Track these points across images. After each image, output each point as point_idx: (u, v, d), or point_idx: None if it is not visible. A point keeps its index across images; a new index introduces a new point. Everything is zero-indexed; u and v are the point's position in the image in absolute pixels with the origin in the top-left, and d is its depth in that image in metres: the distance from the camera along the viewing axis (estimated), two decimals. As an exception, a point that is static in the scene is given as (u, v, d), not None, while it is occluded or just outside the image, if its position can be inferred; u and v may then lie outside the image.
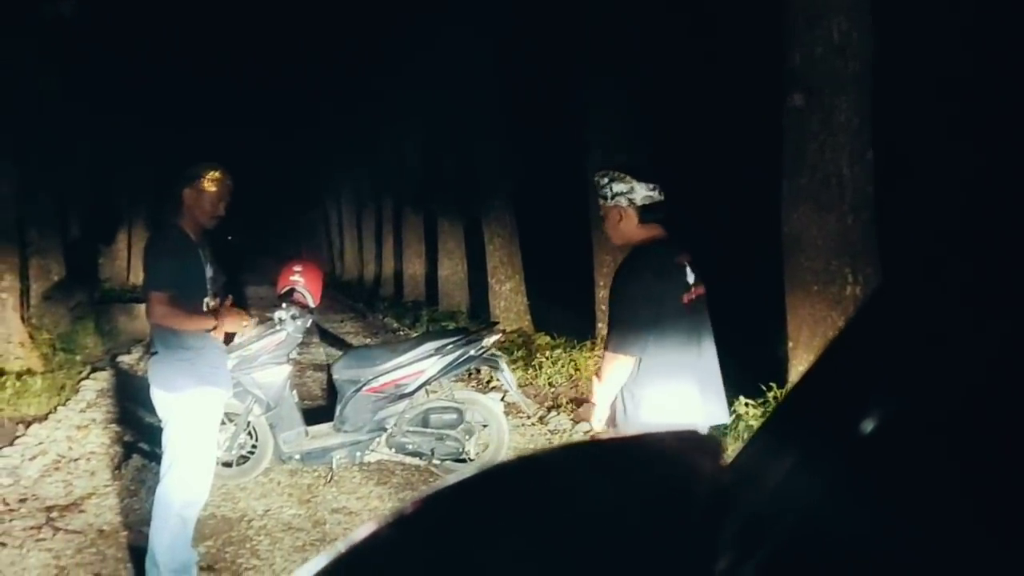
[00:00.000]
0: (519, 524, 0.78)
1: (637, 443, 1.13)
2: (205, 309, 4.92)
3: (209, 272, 4.97)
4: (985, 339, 0.71)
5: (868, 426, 0.69)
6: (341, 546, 0.76)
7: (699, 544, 0.73)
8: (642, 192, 4.04)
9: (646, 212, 4.07)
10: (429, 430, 7.18)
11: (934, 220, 7.85)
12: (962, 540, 0.64)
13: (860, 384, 0.78)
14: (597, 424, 4.14)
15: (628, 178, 4.05)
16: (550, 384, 10.52)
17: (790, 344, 7.43)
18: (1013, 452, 0.66)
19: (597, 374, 4.09)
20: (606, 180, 4.09)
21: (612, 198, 4.06)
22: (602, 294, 11.51)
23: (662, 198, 4.10)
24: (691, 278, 4.06)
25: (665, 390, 3.93)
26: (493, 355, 7.45)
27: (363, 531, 0.77)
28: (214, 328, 4.88)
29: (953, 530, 0.64)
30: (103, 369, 11.40)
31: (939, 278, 0.81)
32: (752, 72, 10.41)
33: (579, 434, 8.33)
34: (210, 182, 4.92)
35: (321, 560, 0.75)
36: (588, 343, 11.34)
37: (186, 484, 4.88)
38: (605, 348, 3.99)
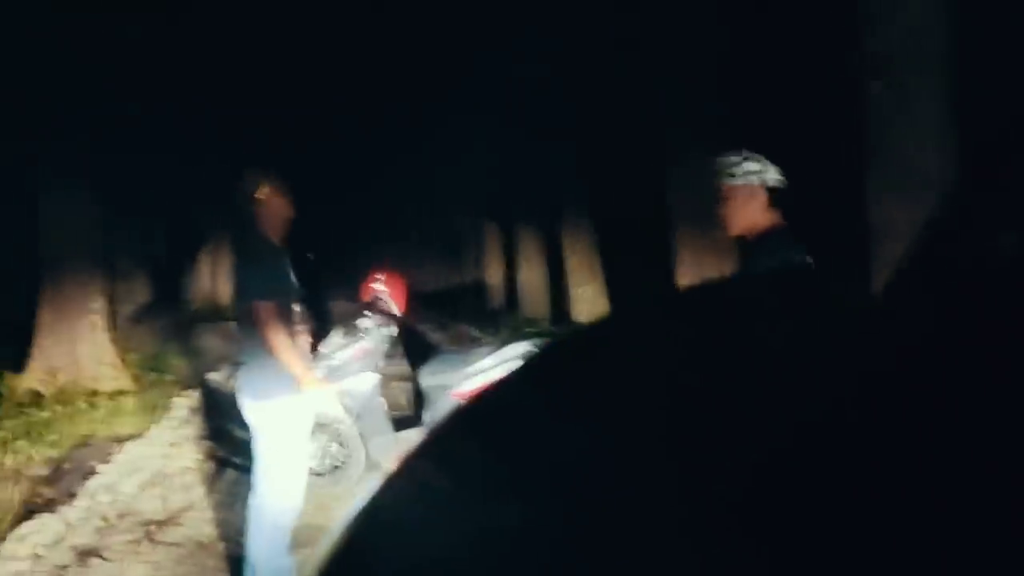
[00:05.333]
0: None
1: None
2: (294, 313, 4.96)
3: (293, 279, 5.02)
4: None
5: None
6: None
7: None
8: (774, 174, 3.97)
9: (775, 196, 3.99)
10: (517, 434, 7.14)
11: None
12: None
13: None
14: None
15: (762, 158, 3.98)
16: (636, 386, 10.39)
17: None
18: None
19: None
20: (737, 158, 4.01)
21: (743, 175, 3.97)
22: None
23: (788, 189, 4.02)
24: None
25: None
26: (578, 357, 7.39)
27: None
28: (302, 375, 4.84)
29: None
30: (193, 387, 11.54)
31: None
32: (829, 61, 10.21)
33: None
34: (270, 192, 4.97)
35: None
36: (672, 343, 11.20)
37: (280, 491, 4.90)
38: None
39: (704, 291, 1.17)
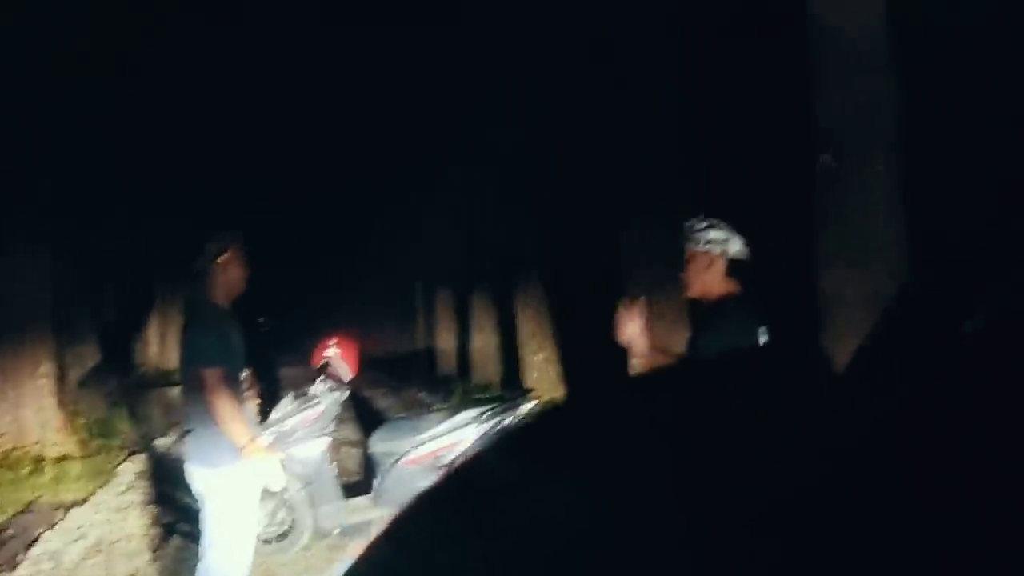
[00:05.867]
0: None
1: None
2: (242, 380, 4.95)
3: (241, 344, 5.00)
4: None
5: None
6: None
7: None
8: (736, 246, 4.06)
9: (734, 266, 4.08)
10: (468, 500, 7.11)
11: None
12: None
13: None
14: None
15: (729, 228, 4.07)
16: (587, 452, 10.36)
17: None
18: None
19: None
20: (704, 225, 4.11)
21: (705, 243, 4.06)
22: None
23: (750, 260, 4.11)
24: (763, 339, 4.02)
25: None
26: (529, 422, 7.39)
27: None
28: (245, 444, 4.81)
29: None
30: (140, 453, 11.39)
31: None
32: (781, 134, 10.35)
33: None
34: (234, 255, 4.96)
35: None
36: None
37: (227, 559, 4.86)
38: None
39: (666, 371, 1.19)
